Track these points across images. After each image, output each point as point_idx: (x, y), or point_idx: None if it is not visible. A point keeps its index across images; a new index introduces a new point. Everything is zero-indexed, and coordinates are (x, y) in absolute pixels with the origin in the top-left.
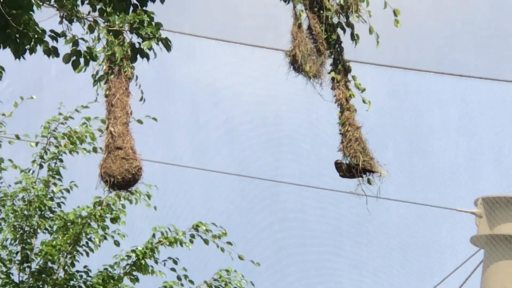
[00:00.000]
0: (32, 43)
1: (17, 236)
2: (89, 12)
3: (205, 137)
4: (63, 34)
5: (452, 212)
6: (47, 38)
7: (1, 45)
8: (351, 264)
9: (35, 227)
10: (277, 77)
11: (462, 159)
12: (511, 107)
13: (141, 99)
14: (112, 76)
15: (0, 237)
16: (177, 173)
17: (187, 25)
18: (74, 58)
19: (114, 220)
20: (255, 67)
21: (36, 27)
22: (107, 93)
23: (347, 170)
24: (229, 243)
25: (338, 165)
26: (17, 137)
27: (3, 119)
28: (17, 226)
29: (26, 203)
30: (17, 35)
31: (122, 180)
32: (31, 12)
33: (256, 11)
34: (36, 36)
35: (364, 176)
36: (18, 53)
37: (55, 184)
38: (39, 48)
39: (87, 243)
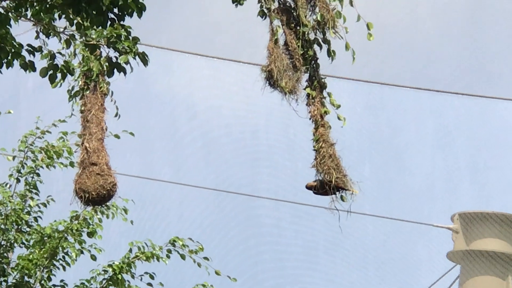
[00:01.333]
0: (9, 57)
1: None
2: (65, 27)
3: (181, 151)
4: (40, 49)
5: (428, 228)
6: (24, 53)
7: None
8: (327, 279)
9: (12, 241)
10: (254, 91)
11: (439, 175)
12: (488, 123)
13: (116, 115)
14: (87, 92)
15: None
16: (154, 187)
17: (164, 38)
18: (51, 72)
19: (90, 234)
20: (232, 81)
21: (13, 41)
22: (82, 108)
23: (320, 186)
24: (205, 258)
25: (309, 187)
26: None
27: None
28: None
29: (3, 217)
30: None
31: (97, 196)
32: (8, 26)
33: (232, 26)
34: (13, 50)
35: (336, 193)
36: None
37: (32, 198)
38: (16, 62)
39: (63, 257)
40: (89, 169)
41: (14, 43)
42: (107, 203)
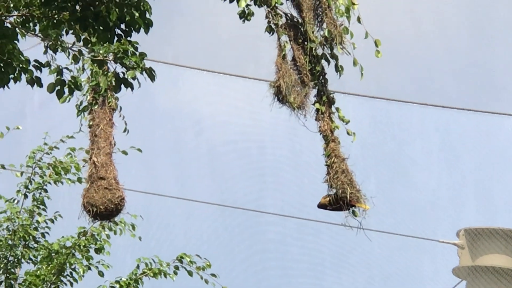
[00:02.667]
0: (17, 73)
1: (1, 265)
2: (74, 43)
3: (187, 167)
4: (48, 64)
5: (434, 243)
6: (31, 68)
7: None
8: None
9: (19, 257)
10: (260, 107)
11: (444, 190)
12: (494, 138)
13: (124, 130)
14: (96, 107)
15: None
16: (160, 203)
17: (170, 54)
18: (58, 87)
19: (98, 250)
20: (238, 96)
21: (20, 56)
22: (90, 123)
23: (334, 202)
24: (213, 275)
25: (321, 205)
26: (2, 167)
27: None
28: (1, 255)
29: (10, 232)
30: (1, 64)
31: (105, 210)
32: (16, 42)
33: (238, 41)
34: (20, 65)
35: (349, 209)
36: (3, 82)
37: (39, 214)
38: (23, 78)
39: (71, 273)
40: (97, 183)
41: (22, 58)
42: (115, 218)
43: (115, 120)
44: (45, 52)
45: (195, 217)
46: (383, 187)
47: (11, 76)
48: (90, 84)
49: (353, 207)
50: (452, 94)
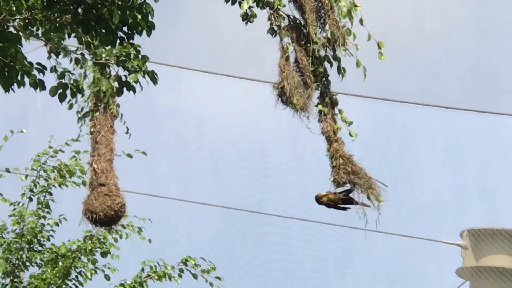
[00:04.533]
0: (20, 76)
1: (8, 268)
2: (77, 48)
3: (190, 169)
4: (54, 69)
5: (437, 244)
6: (34, 71)
7: None
8: None
9: (24, 260)
10: (263, 109)
11: (448, 191)
12: (497, 139)
13: (126, 132)
14: (97, 114)
15: None
16: (162, 205)
17: (172, 56)
18: (60, 91)
19: (104, 254)
20: (240, 98)
21: (24, 60)
22: (91, 130)
23: (344, 197)
24: (218, 277)
25: (322, 196)
26: (7, 171)
27: None
28: (8, 259)
29: (19, 235)
30: (6, 69)
31: (104, 217)
32: (19, 46)
33: (240, 43)
34: (23, 69)
35: (364, 203)
36: (6, 86)
37: (44, 217)
38: (26, 81)
39: (76, 277)
40: (97, 190)
41: (25, 62)
42: (116, 225)
43: (116, 126)
44: (49, 57)
45: (198, 219)
46: (387, 188)
47: (15, 79)
48: (92, 91)
49: (365, 202)
50: (455, 95)
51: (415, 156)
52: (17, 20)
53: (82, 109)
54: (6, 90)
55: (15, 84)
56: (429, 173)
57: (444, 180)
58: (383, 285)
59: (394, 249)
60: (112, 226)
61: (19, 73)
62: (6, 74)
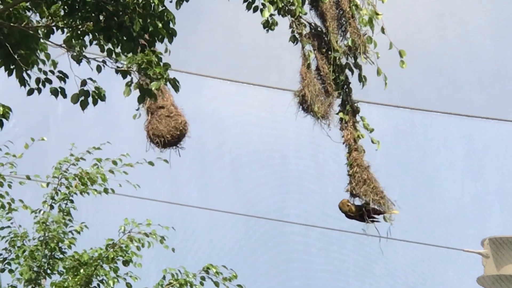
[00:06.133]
0: (40, 84)
1: (32, 276)
2: (103, 61)
3: (211, 177)
4: (84, 83)
5: (458, 253)
6: (54, 79)
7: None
8: None
9: (46, 268)
10: (284, 116)
11: (469, 199)
12: None
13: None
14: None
15: (14, 277)
16: (183, 213)
17: (193, 64)
18: (82, 98)
19: (126, 262)
20: (261, 106)
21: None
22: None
23: (357, 210)
24: (239, 286)
25: (344, 206)
26: (28, 178)
27: (14, 160)
28: (31, 266)
29: (42, 243)
30: (28, 73)
31: (172, 138)
32: (39, 52)
33: (261, 51)
34: (45, 76)
35: (374, 219)
36: (25, 83)
37: (66, 224)
38: (47, 89)
39: (98, 285)
40: (158, 113)
41: (46, 70)
42: (181, 143)
43: None
44: (79, 61)
45: (219, 227)
46: (407, 197)
47: (35, 87)
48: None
49: (377, 217)
50: (476, 103)
51: (436, 164)
52: (39, 27)
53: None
54: (22, 85)
55: (35, 91)
56: (450, 181)
57: (465, 188)
58: None
59: (415, 258)
60: (177, 145)
61: (40, 81)
62: (26, 79)
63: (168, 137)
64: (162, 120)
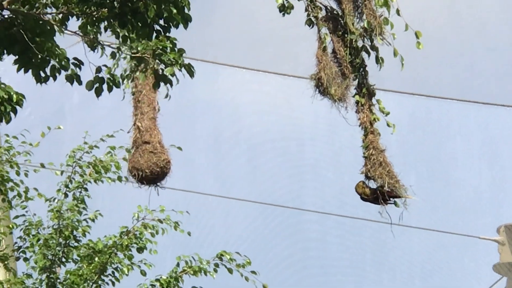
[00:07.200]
0: (56, 71)
1: (47, 264)
2: (119, 47)
3: (227, 165)
4: (99, 70)
5: (474, 240)
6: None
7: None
8: None
9: (60, 256)
10: (299, 104)
11: (485, 187)
12: None
13: (166, 96)
14: (137, 73)
15: (29, 265)
16: (199, 201)
17: (209, 52)
18: (97, 85)
19: (140, 249)
20: (276, 94)
21: (60, 50)
22: (133, 90)
23: (372, 193)
24: (253, 272)
25: (359, 187)
26: (42, 166)
27: (30, 149)
28: (45, 255)
29: (56, 231)
30: (40, 63)
31: (151, 174)
32: (54, 40)
33: (276, 39)
34: (61, 63)
35: (389, 202)
36: (41, 80)
37: (80, 212)
38: (62, 76)
39: (113, 272)
40: (142, 147)
41: (59, 52)
42: (161, 182)
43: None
44: (95, 49)
45: (235, 215)
46: (423, 184)
47: (50, 74)
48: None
49: (392, 200)
50: (492, 90)
51: (452, 152)
52: (53, 14)
53: (125, 70)
54: (38, 81)
55: (50, 78)
56: (466, 168)
57: (481, 176)
58: (419, 281)
59: (431, 245)
60: (157, 183)
61: (55, 67)
62: (40, 63)
63: (147, 172)
64: (144, 155)
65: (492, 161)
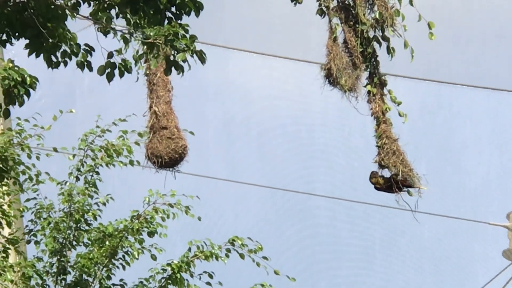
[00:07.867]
0: (67, 56)
1: (57, 247)
2: (132, 31)
3: (237, 150)
4: (110, 55)
5: (484, 226)
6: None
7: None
8: (382, 278)
9: (71, 239)
10: (310, 90)
11: (494, 173)
12: None
13: (179, 73)
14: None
15: (39, 248)
16: (210, 186)
17: (220, 37)
18: (109, 70)
19: (151, 234)
20: (287, 79)
21: (71, 41)
22: (147, 72)
23: (385, 181)
24: (264, 257)
25: (374, 177)
26: (55, 150)
27: (42, 132)
28: (56, 238)
29: (67, 214)
30: (51, 47)
31: (169, 160)
32: (65, 25)
33: (287, 24)
34: (72, 48)
35: (402, 190)
36: (53, 65)
37: (91, 196)
38: (73, 61)
39: (123, 256)
40: (160, 133)
41: (70, 37)
42: (178, 166)
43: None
44: (108, 33)
45: (246, 200)
46: (434, 170)
47: (61, 59)
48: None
49: (406, 188)
50: (503, 76)
51: (462, 138)
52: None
53: (137, 51)
54: (50, 66)
55: (61, 64)
56: (476, 154)
57: (491, 162)
58: (429, 266)
59: (440, 231)
60: (175, 168)
61: (66, 53)
62: (51, 52)
63: (166, 158)
64: (163, 141)
65: (503, 147)
